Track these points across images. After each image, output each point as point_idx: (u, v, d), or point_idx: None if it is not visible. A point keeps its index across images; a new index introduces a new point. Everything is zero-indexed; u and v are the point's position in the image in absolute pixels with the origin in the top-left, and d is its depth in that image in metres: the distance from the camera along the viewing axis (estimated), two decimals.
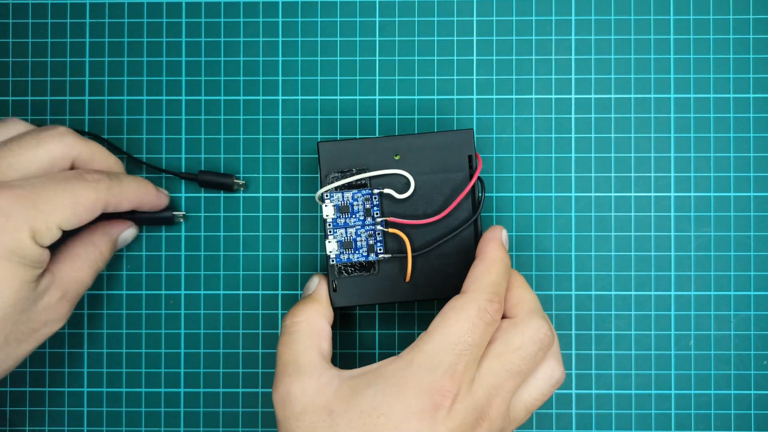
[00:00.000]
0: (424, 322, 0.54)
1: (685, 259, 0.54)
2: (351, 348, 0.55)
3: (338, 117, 0.55)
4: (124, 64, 0.55)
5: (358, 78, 0.55)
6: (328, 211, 0.49)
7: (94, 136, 0.54)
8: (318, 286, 0.50)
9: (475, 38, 0.55)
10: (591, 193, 0.54)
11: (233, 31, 0.55)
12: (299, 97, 0.55)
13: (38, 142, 0.47)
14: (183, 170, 0.54)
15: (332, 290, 0.50)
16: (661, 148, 0.54)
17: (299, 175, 0.55)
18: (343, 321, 0.55)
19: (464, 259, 0.49)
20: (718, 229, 0.54)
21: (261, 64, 0.55)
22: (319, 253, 0.54)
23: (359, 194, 0.49)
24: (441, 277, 0.50)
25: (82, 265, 0.49)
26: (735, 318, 0.54)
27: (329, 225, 0.49)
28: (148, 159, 0.55)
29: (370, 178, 0.49)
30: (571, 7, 0.55)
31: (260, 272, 0.55)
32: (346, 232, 0.50)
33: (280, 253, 0.55)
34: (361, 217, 0.49)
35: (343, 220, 0.50)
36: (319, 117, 0.55)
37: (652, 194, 0.54)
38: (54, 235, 0.45)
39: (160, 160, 0.55)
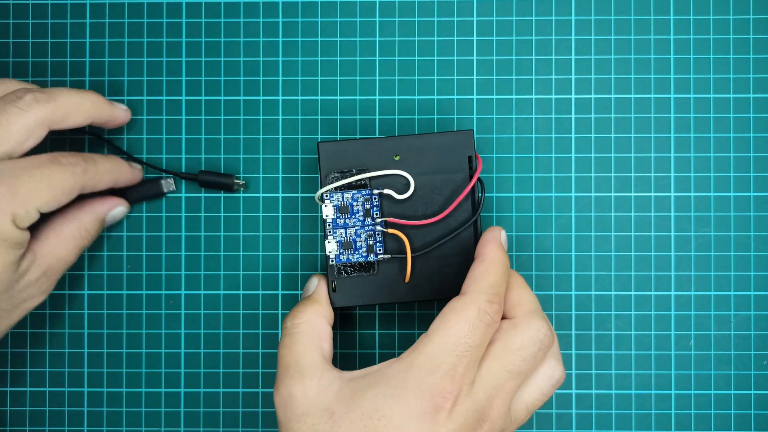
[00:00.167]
0: (424, 323, 0.54)
1: (685, 259, 0.54)
2: (351, 348, 0.55)
3: (338, 117, 0.55)
4: (124, 64, 0.55)
5: (358, 78, 0.55)
6: (327, 211, 0.49)
7: (95, 136, 0.54)
8: (317, 286, 0.50)
9: (475, 38, 0.55)
10: (591, 193, 0.54)
11: (233, 31, 0.55)
12: (299, 97, 0.55)
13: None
14: (183, 170, 0.54)
15: (331, 290, 0.50)
16: (661, 148, 0.54)
17: (299, 175, 0.55)
18: (343, 321, 0.55)
19: (464, 259, 0.49)
20: (718, 229, 0.54)
21: (261, 64, 0.55)
22: (319, 253, 0.54)
23: (359, 194, 0.49)
24: (440, 278, 0.50)
25: (65, 243, 0.50)
26: (735, 318, 0.54)
27: (329, 225, 0.49)
28: (148, 159, 0.55)
29: (370, 178, 0.49)
30: (571, 7, 0.55)
31: (260, 272, 0.55)
32: (345, 233, 0.50)
33: (280, 253, 0.55)
34: (361, 218, 0.49)
35: (342, 221, 0.50)
36: (319, 117, 0.55)
37: (652, 194, 0.54)
38: (33, 218, 0.46)
39: (160, 160, 0.55)
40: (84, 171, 0.49)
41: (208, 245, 0.55)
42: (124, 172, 0.52)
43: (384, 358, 0.54)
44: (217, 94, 0.55)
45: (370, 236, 0.50)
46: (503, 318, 0.46)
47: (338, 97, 0.55)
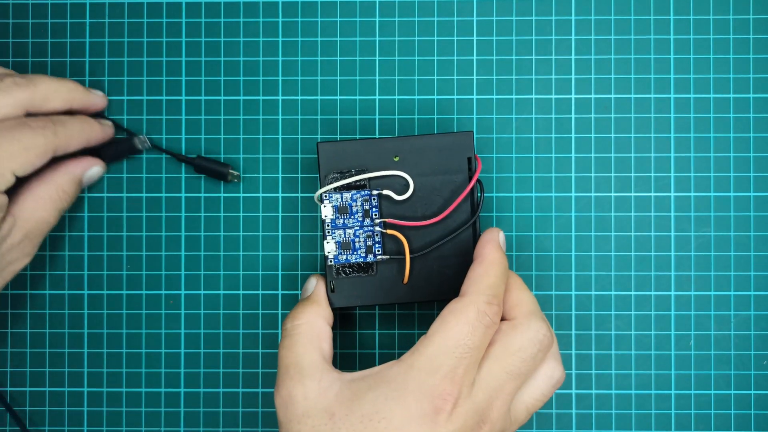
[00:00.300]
0: (424, 323, 0.54)
1: (685, 259, 0.54)
2: (351, 348, 0.55)
3: (338, 117, 0.55)
4: (124, 64, 0.55)
5: (358, 78, 0.55)
6: (326, 211, 0.49)
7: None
8: (316, 287, 0.50)
9: (475, 38, 0.55)
10: (591, 193, 0.54)
11: (233, 31, 0.55)
12: (299, 97, 0.55)
13: None
14: (183, 173, 0.55)
15: (330, 291, 0.50)
16: (661, 148, 0.54)
17: (299, 175, 0.55)
18: (343, 321, 0.55)
19: (463, 261, 0.49)
20: (718, 229, 0.54)
21: (261, 64, 0.55)
22: (319, 253, 0.54)
23: (358, 195, 0.49)
24: (439, 279, 0.50)
25: (44, 205, 0.51)
26: (735, 318, 0.54)
27: (328, 226, 0.49)
28: (148, 158, 0.55)
29: (369, 179, 0.49)
30: (571, 7, 0.55)
31: (260, 272, 0.55)
32: (344, 233, 0.50)
33: (280, 253, 0.55)
34: (360, 218, 0.49)
35: (341, 221, 0.50)
36: (319, 117, 0.55)
37: (652, 194, 0.54)
38: (9, 181, 0.47)
39: (160, 160, 0.55)
40: (54, 132, 0.49)
41: (208, 245, 0.55)
42: (95, 131, 0.53)
43: (384, 358, 0.54)
44: (217, 94, 0.55)
45: (368, 237, 0.50)
46: (502, 319, 0.46)
47: (338, 97, 0.55)
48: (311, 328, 0.47)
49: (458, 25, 0.55)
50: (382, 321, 0.55)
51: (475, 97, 0.55)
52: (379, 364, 0.54)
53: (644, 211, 0.54)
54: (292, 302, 0.54)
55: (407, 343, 0.54)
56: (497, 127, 0.54)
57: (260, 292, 0.55)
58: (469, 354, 0.43)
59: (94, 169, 0.53)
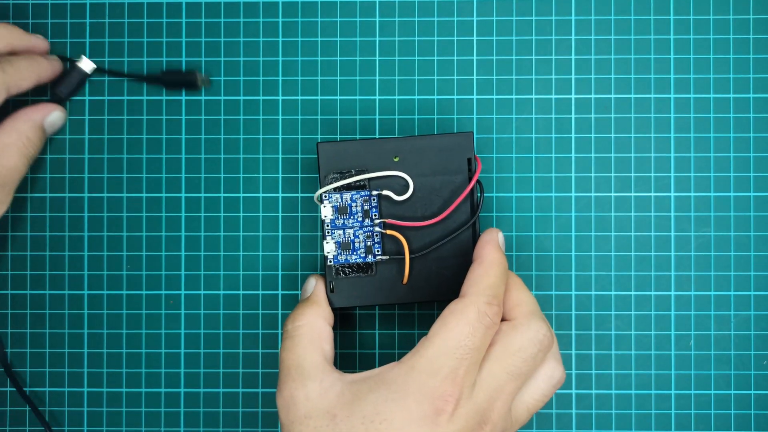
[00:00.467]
0: (424, 323, 0.54)
1: (685, 259, 0.54)
2: (351, 348, 0.55)
3: (338, 117, 0.55)
4: (124, 64, 0.55)
5: (358, 78, 0.55)
6: (326, 212, 0.49)
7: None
8: (316, 287, 0.50)
9: (475, 38, 0.55)
10: (591, 193, 0.54)
11: (233, 31, 0.55)
12: (299, 97, 0.55)
13: None
14: (183, 173, 0.55)
15: (329, 291, 0.50)
16: (661, 148, 0.54)
17: (299, 175, 0.55)
18: (343, 321, 0.55)
19: (462, 261, 0.49)
20: (718, 229, 0.54)
21: (261, 64, 0.55)
22: (319, 253, 0.54)
23: (358, 195, 0.49)
24: (439, 280, 0.50)
25: (9, 154, 0.51)
26: (735, 318, 0.54)
27: (327, 226, 0.50)
28: (148, 159, 0.55)
29: (369, 179, 0.49)
30: (571, 7, 0.55)
31: (260, 272, 0.55)
32: (344, 233, 0.50)
33: (280, 253, 0.55)
34: (360, 219, 0.49)
35: (341, 221, 0.50)
36: (319, 117, 0.55)
37: (652, 194, 0.54)
38: None
39: (160, 160, 0.55)
40: (3, 70, 0.50)
41: (208, 245, 0.55)
42: (44, 66, 0.53)
43: (384, 358, 0.54)
44: (217, 94, 0.55)
45: (368, 237, 0.50)
46: (502, 320, 0.46)
47: (338, 97, 0.55)
48: (312, 329, 0.48)
49: (458, 25, 0.55)
50: (382, 321, 0.55)
51: (475, 97, 0.55)
52: (380, 364, 0.54)
53: (644, 211, 0.54)
54: (292, 302, 0.54)
55: (407, 344, 0.54)
56: (497, 127, 0.54)
57: (260, 292, 0.55)
58: (470, 355, 0.43)
59: (54, 114, 0.53)
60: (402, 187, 0.50)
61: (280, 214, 0.55)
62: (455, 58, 0.55)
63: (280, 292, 0.55)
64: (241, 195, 0.55)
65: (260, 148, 0.55)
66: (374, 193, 0.49)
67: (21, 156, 0.51)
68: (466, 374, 0.43)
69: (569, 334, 0.54)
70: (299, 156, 0.55)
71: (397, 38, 0.55)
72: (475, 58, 0.55)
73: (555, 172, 0.54)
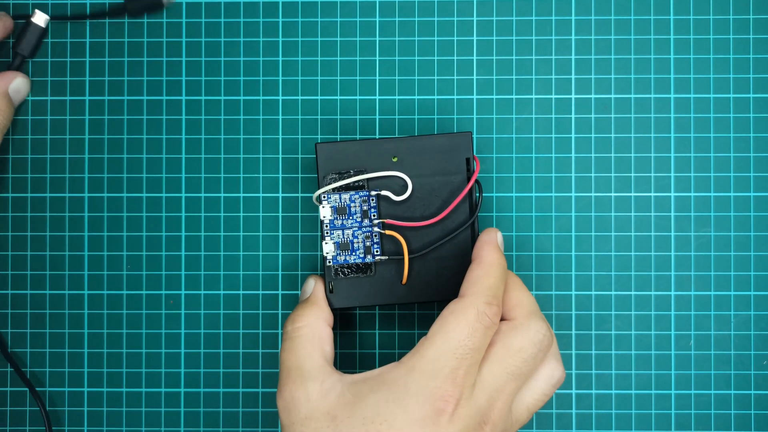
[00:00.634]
0: (424, 323, 0.54)
1: (685, 259, 0.54)
2: (351, 348, 0.55)
3: (338, 117, 0.55)
4: (124, 64, 0.55)
5: (358, 78, 0.55)
6: (325, 212, 0.49)
7: None
8: (315, 288, 0.50)
9: (475, 38, 0.55)
10: (591, 193, 0.54)
11: (233, 31, 0.55)
12: (299, 97, 0.55)
13: None
14: (183, 173, 0.55)
15: (328, 291, 0.50)
16: (661, 148, 0.54)
17: (299, 175, 0.55)
18: (343, 321, 0.55)
19: (461, 261, 0.49)
20: (718, 229, 0.54)
21: (261, 64, 0.55)
22: (319, 253, 0.54)
23: (357, 196, 0.49)
24: (438, 280, 0.50)
25: None
26: (735, 318, 0.54)
27: (326, 226, 0.50)
28: (148, 159, 0.55)
29: (368, 179, 0.49)
30: (571, 7, 0.55)
31: (260, 272, 0.55)
32: (343, 234, 0.50)
33: (280, 253, 0.55)
34: (359, 219, 0.49)
35: (340, 222, 0.50)
36: (319, 117, 0.55)
37: (652, 194, 0.54)
38: None
39: (160, 160, 0.55)
40: None
41: (208, 245, 0.55)
42: None
43: (384, 358, 0.54)
44: (217, 94, 0.55)
45: (367, 237, 0.50)
46: (502, 320, 0.46)
47: (338, 97, 0.55)
48: (312, 330, 0.48)
49: (458, 25, 0.55)
50: (382, 321, 0.55)
51: (475, 97, 0.55)
52: (380, 364, 0.54)
53: (644, 211, 0.54)
54: (292, 302, 0.55)
55: (407, 344, 0.54)
56: (497, 127, 0.54)
57: (260, 292, 0.55)
58: (470, 355, 0.43)
59: (17, 81, 0.54)
60: (401, 188, 0.50)
61: (280, 214, 0.55)
62: (455, 58, 0.55)
63: (280, 292, 0.55)
64: (241, 195, 0.55)
65: (260, 148, 0.55)
66: (373, 193, 0.49)
67: None
68: (467, 374, 0.43)
69: (569, 334, 0.54)
70: (299, 156, 0.55)
71: (397, 38, 0.55)
72: (475, 58, 0.55)
73: (555, 172, 0.54)
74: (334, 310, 0.50)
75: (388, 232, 0.49)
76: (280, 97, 0.55)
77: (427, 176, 0.49)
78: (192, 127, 0.55)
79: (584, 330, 0.54)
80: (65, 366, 0.55)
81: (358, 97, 0.55)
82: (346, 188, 0.49)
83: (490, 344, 0.45)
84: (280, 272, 0.55)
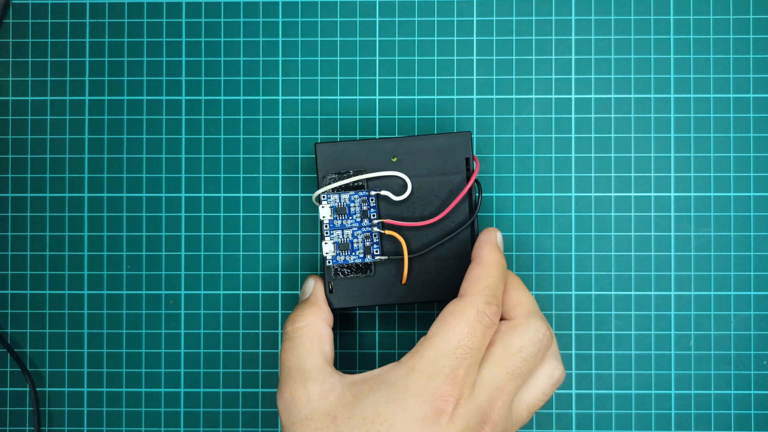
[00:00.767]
0: (424, 323, 0.54)
1: (685, 259, 0.54)
2: (351, 348, 0.55)
3: (338, 117, 0.55)
4: (124, 64, 0.55)
5: (358, 78, 0.55)
6: (324, 212, 0.49)
7: None
8: (315, 288, 0.50)
9: (475, 38, 0.55)
10: (591, 193, 0.54)
11: (233, 31, 0.55)
12: (299, 97, 0.55)
13: None
14: (183, 173, 0.55)
15: (328, 291, 0.50)
16: (661, 148, 0.54)
17: (299, 175, 0.55)
18: (343, 321, 0.55)
19: (461, 261, 0.49)
20: (718, 229, 0.54)
21: (261, 64, 0.55)
22: (319, 253, 0.54)
23: (356, 196, 0.49)
24: (437, 280, 0.50)
25: None
26: (735, 318, 0.54)
27: (326, 226, 0.50)
28: (148, 159, 0.55)
29: (367, 179, 0.49)
30: (571, 7, 0.55)
31: (260, 272, 0.55)
32: (342, 234, 0.50)
33: (280, 253, 0.55)
34: (358, 219, 0.49)
35: (339, 222, 0.50)
36: (319, 117, 0.55)
37: (652, 194, 0.54)
38: None
39: (160, 160, 0.55)
40: None
41: (208, 245, 0.55)
42: None
43: (384, 358, 0.54)
44: (217, 94, 0.55)
45: (366, 237, 0.50)
46: (502, 319, 0.46)
47: (338, 97, 0.55)
48: (312, 330, 0.48)
49: (458, 25, 0.55)
50: (382, 321, 0.55)
51: (475, 97, 0.55)
52: (380, 364, 0.54)
53: (644, 211, 0.54)
54: (292, 302, 0.54)
55: (407, 343, 0.54)
56: (497, 127, 0.54)
57: (260, 292, 0.55)
58: (470, 355, 0.43)
59: None
60: (400, 188, 0.50)
61: (280, 214, 0.55)
62: (455, 58, 0.55)
63: (280, 292, 0.55)
64: (241, 195, 0.55)
65: (260, 148, 0.55)
66: (372, 193, 0.49)
67: None
68: (466, 374, 0.43)
69: (569, 334, 0.54)
70: (299, 156, 0.55)
71: (397, 38, 0.55)
72: (475, 58, 0.55)
73: (555, 172, 0.54)
74: (333, 310, 0.50)
75: (387, 232, 0.49)
76: (280, 97, 0.55)
77: (426, 176, 0.49)
78: (192, 127, 0.55)
79: (584, 330, 0.54)
80: (65, 366, 0.55)
81: (357, 97, 0.55)
82: (346, 188, 0.49)
83: (490, 344, 0.45)
84: (279, 272, 0.55)
